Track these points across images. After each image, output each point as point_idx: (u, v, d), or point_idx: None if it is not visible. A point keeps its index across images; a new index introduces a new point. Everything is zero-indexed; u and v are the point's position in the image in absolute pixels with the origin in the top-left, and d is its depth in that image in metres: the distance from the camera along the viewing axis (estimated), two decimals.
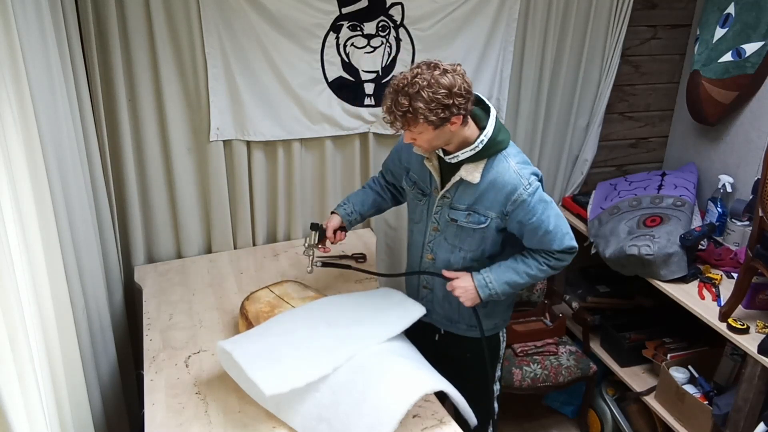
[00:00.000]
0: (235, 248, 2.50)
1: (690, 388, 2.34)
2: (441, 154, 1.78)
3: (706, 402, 2.26)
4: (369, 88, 2.41)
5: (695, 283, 2.31)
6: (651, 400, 2.48)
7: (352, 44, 2.33)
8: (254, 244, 2.53)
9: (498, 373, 2.09)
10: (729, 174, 2.63)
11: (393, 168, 2.04)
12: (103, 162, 2.15)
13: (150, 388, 1.74)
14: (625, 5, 2.59)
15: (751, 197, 2.51)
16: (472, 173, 1.73)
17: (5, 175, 1.27)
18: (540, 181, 1.77)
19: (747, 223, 2.49)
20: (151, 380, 1.77)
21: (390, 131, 2.47)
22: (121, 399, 2.22)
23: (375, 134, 2.50)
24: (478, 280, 1.81)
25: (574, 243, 1.80)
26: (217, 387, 1.74)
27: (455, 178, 1.76)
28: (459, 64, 1.64)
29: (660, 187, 2.65)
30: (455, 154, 1.72)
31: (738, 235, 2.51)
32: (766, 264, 1.94)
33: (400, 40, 2.38)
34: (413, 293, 2.04)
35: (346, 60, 2.35)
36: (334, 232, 2.03)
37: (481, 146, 1.70)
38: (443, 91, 1.56)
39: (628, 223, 2.46)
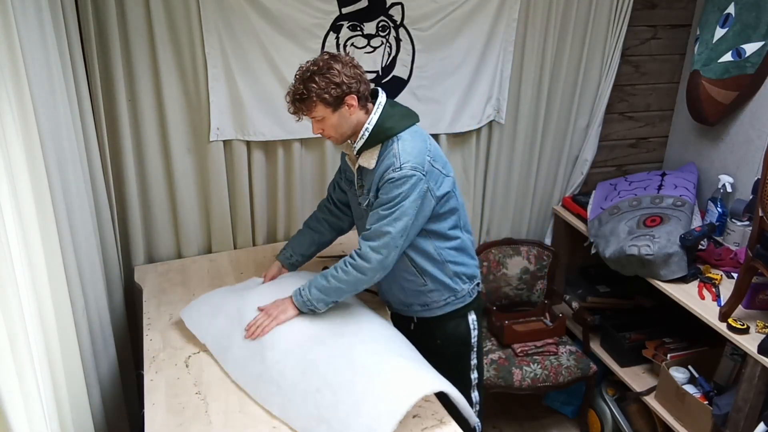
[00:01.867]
0: (235, 248, 2.50)
1: (690, 388, 2.34)
2: (352, 149, 1.87)
3: (706, 402, 2.26)
4: None
5: (695, 283, 2.31)
6: (651, 400, 2.48)
7: (352, 44, 2.33)
8: (254, 244, 2.53)
9: (474, 362, 2.08)
10: (729, 174, 2.63)
11: (337, 179, 2.10)
12: (103, 162, 2.15)
13: (150, 388, 1.74)
14: (625, 5, 2.59)
15: (751, 197, 2.51)
16: (368, 160, 1.83)
17: (5, 175, 1.27)
18: (424, 175, 1.75)
19: (747, 223, 2.49)
20: (151, 380, 1.77)
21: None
22: (121, 399, 2.22)
23: None
24: (293, 292, 1.85)
25: (392, 242, 1.75)
26: (217, 387, 1.74)
27: (356, 166, 1.88)
28: (349, 54, 1.85)
29: (660, 187, 2.65)
30: (353, 145, 1.85)
31: (738, 235, 2.51)
32: (766, 264, 1.94)
33: (400, 40, 2.38)
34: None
35: None
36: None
37: (366, 134, 1.80)
38: (333, 71, 1.73)
39: (628, 223, 2.46)
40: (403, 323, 2.06)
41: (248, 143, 2.36)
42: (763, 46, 2.45)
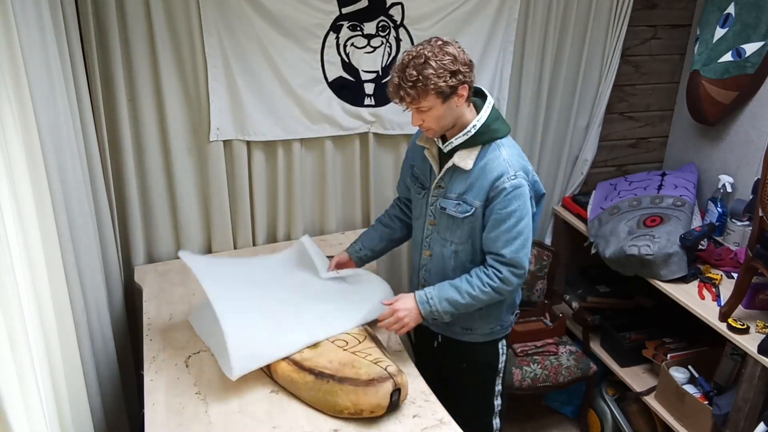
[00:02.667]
0: (235, 248, 2.50)
1: (690, 388, 2.34)
2: (439, 145, 1.78)
3: (706, 402, 2.26)
4: (369, 88, 2.41)
5: (695, 283, 2.31)
6: (651, 400, 2.47)
7: (352, 44, 2.33)
8: (254, 244, 2.53)
9: (498, 388, 2.02)
10: (729, 174, 2.63)
11: (405, 178, 2.01)
12: (103, 162, 2.15)
13: (150, 388, 1.74)
14: (625, 5, 2.59)
15: (751, 197, 2.51)
16: (464, 159, 1.73)
17: (5, 175, 1.28)
18: (529, 183, 1.74)
19: (747, 223, 2.49)
20: (151, 380, 1.77)
21: (390, 131, 2.48)
22: (121, 399, 2.22)
23: (375, 134, 2.50)
24: (419, 296, 1.79)
25: (527, 264, 1.76)
26: (217, 387, 1.74)
27: (448, 165, 1.76)
28: (456, 40, 1.68)
29: (660, 187, 2.64)
30: (450, 141, 1.74)
31: (738, 235, 2.51)
32: (766, 264, 1.94)
33: (400, 40, 2.38)
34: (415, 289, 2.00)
35: (346, 60, 2.35)
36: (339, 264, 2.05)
37: (473, 131, 1.71)
38: (449, 57, 1.60)
39: (628, 223, 2.46)
40: (425, 339, 2.02)
41: (248, 143, 2.36)
42: (763, 46, 2.45)
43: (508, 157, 1.72)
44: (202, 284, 1.79)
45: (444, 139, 1.77)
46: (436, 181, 1.81)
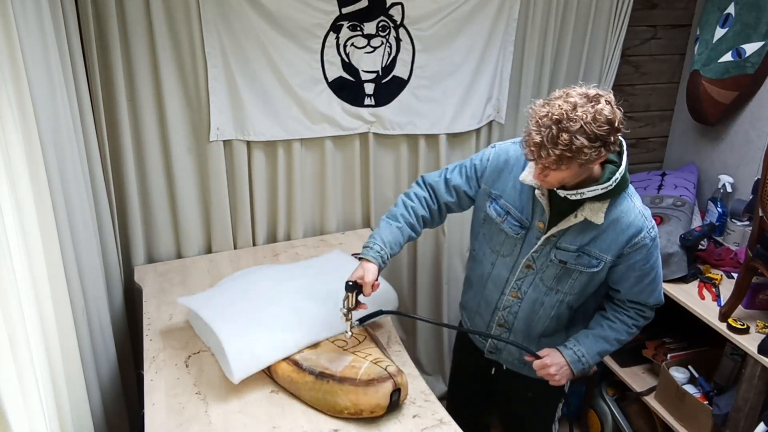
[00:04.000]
0: (235, 248, 2.50)
1: (690, 388, 2.34)
2: (560, 192, 1.56)
3: (706, 402, 2.26)
4: (369, 88, 2.41)
5: (695, 283, 2.31)
6: (651, 400, 2.48)
7: (352, 44, 2.33)
8: (254, 244, 2.53)
9: (558, 414, 1.97)
10: (729, 174, 2.63)
11: (465, 189, 1.79)
12: (103, 162, 2.15)
13: (150, 388, 1.74)
14: (625, 5, 2.59)
15: (751, 197, 2.51)
16: (597, 213, 1.56)
17: (5, 175, 1.28)
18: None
19: (747, 223, 2.49)
20: (151, 380, 1.77)
21: (390, 132, 2.48)
22: (121, 399, 2.22)
23: (375, 134, 2.50)
24: (569, 356, 1.70)
25: (663, 298, 1.74)
26: (217, 387, 1.74)
27: (576, 219, 1.58)
28: (609, 91, 1.49)
29: (660, 187, 2.64)
30: (580, 191, 1.51)
31: (738, 235, 2.51)
32: (766, 264, 1.94)
33: (400, 40, 2.38)
34: (482, 326, 1.88)
35: (346, 60, 2.35)
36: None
37: (614, 184, 1.51)
38: (606, 127, 1.39)
39: None
40: (481, 367, 1.96)
41: (248, 143, 2.36)
42: (763, 46, 2.45)
43: (641, 209, 1.61)
44: (201, 314, 1.81)
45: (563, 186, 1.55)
46: (550, 227, 1.63)
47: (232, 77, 2.23)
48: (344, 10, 2.27)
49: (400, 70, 2.42)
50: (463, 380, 2.14)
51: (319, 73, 2.33)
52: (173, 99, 2.21)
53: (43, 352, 1.45)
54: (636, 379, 2.58)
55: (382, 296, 1.87)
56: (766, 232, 1.94)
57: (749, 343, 2.00)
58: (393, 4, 2.32)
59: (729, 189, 2.60)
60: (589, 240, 1.61)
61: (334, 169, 2.52)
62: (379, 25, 2.33)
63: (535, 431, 1.94)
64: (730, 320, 2.06)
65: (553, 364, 1.71)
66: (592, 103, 1.40)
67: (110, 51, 2.07)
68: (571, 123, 1.37)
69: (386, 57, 2.39)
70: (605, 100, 1.41)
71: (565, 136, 1.37)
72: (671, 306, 2.35)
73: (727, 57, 2.50)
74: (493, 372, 1.96)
